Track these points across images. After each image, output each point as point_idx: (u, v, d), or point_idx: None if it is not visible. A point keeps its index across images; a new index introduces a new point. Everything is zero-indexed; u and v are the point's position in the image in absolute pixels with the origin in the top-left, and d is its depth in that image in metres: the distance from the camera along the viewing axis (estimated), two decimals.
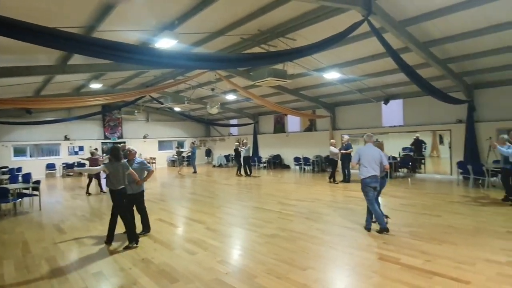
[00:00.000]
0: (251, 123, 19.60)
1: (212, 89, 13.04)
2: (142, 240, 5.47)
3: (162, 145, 21.90)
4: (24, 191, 8.83)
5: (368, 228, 5.56)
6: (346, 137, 11.46)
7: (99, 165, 10.94)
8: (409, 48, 8.26)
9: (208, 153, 23.58)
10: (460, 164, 10.75)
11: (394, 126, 13.45)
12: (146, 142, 20.82)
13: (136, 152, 5.90)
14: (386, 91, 13.02)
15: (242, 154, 14.81)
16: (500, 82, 10.71)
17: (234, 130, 22.19)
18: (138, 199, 5.73)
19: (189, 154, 18.22)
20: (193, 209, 7.92)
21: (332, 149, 11.80)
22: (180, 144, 22.49)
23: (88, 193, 10.62)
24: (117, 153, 5.16)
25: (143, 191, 5.83)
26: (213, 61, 5.39)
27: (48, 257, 4.85)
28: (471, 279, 3.73)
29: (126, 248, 5.07)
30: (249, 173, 14.68)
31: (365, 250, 4.71)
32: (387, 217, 5.66)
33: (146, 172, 5.66)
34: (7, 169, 15.19)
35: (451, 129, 12.07)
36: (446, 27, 7.56)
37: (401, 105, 13.32)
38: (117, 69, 9.33)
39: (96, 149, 16.17)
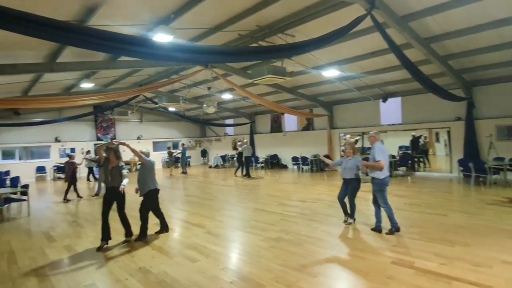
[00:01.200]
0: (248, 123, 19.29)
1: (209, 88, 12.72)
2: (138, 246, 5.14)
3: (157, 146, 21.45)
4: (12, 195, 8.38)
5: (379, 229, 5.31)
6: (347, 136, 11.19)
7: (75, 170, 10.24)
8: (411, 44, 8.08)
9: (204, 153, 23.20)
10: (461, 162, 10.61)
11: (393, 124, 13.28)
12: (140, 143, 20.34)
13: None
14: (385, 89, 12.85)
15: (244, 154, 14.20)
16: (498, 79, 10.60)
17: (230, 130, 21.87)
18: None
19: (178, 155, 17.94)
20: (192, 212, 7.59)
21: None
22: (175, 145, 22.10)
23: (66, 200, 9.95)
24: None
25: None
26: (212, 54, 5.08)
27: (36, 268, 4.48)
28: (492, 283, 3.50)
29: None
30: (247, 174, 14.17)
31: (377, 254, 4.45)
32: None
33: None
34: None
35: (450, 126, 11.94)
36: (447, 23, 7.38)
37: (399, 103, 13.16)
38: (109, 67, 8.95)
39: (88, 151, 15.77)
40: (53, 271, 4.34)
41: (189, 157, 20.41)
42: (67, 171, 10.64)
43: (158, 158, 21.22)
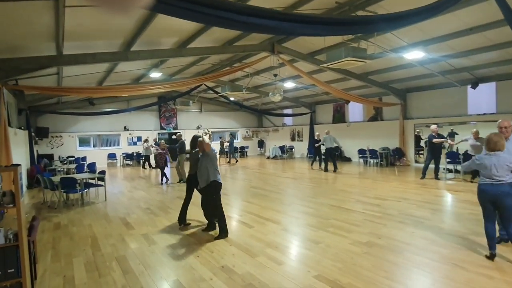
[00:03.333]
0: (307, 113, 18.47)
1: (275, 75, 12.18)
2: (216, 242, 4.85)
3: (215, 135, 21.68)
4: (90, 181, 8.81)
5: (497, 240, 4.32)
6: (434, 126, 9.85)
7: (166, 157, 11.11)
8: None
9: (261, 144, 22.94)
10: None
11: (484, 114, 11.46)
12: (199, 132, 20.71)
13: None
14: (475, 73, 11.10)
15: (326, 145, 12.65)
16: None
17: (288, 120, 21.24)
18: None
19: (227, 144, 18.10)
20: (261, 205, 7.19)
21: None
22: (233, 135, 22.18)
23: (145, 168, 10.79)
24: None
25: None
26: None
27: (118, 257, 4.39)
28: None
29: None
30: (329, 168, 12.78)
31: (507, 273, 3.54)
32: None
33: None
34: (73, 158, 15.98)
35: None
36: None
37: (493, 89, 11.29)
38: (178, 54, 8.86)
39: (147, 139, 16.55)
40: (135, 262, 4.20)
41: (236, 148, 20.48)
42: (160, 159, 11.35)
43: (216, 147, 21.54)
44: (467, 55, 9.48)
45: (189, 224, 5.77)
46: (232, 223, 5.83)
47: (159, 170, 11.80)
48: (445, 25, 7.78)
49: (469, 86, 11.54)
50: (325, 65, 7.85)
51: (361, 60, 7.45)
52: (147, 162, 16.36)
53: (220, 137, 19.89)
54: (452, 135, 12.14)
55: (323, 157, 13.73)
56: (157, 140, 17.46)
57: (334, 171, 12.51)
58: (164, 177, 11.14)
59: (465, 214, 5.86)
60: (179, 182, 10.98)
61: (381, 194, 7.88)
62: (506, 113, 11.02)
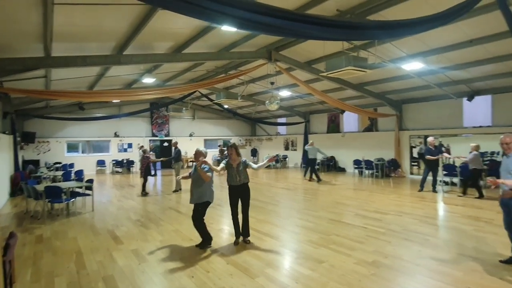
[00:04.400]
0: (302, 122, 18.31)
1: (272, 83, 11.99)
2: (211, 259, 4.51)
3: (208, 143, 21.34)
4: (77, 189, 8.36)
5: None
6: (431, 139, 9.70)
7: (149, 164, 10.41)
8: None
9: (254, 152, 22.65)
10: None
11: (480, 126, 11.45)
12: (192, 140, 20.36)
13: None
14: (472, 86, 11.11)
15: (308, 155, 12.85)
16: None
17: (282, 130, 21.05)
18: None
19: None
20: (258, 218, 6.87)
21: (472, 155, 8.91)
22: (225, 143, 21.91)
23: (145, 193, 10.20)
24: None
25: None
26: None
27: (105, 277, 4.01)
28: None
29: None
30: (311, 177, 12.96)
31: None
32: None
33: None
34: (60, 164, 15.39)
35: None
36: None
37: (489, 101, 11.31)
38: (173, 59, 8.59)
39: (142, 146, 16.09)
40: (123, 282, 3.83)
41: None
42: (142, 166, 10.75)
43: (209, 155, 21.12)
44: (465, 68, 9.46)
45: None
46: (228, 238, 5.51)
47: (151, 178, 11.27)
48: (447, 36, 7.72)
49: (465, 99, 11.55)
50: (325, 73, 7.66)
51: (362, 69, 7.29)
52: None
53: (219, 145, 19.52)
54: (440, 147, 12.00)
55: (316, 167, 13.60)
56: (152, 148, 17.05)
57: (310, 179, 12.78)
58: (143, 188, 10.27)
59: (469, 231, 5.65)
60: (174, 191, 10.55)
61: (381, 208, 7.65)
62: (501, 125, 11.03)
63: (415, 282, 3.70)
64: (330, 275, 3.91)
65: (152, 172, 15.68)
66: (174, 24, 6.98)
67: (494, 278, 3.75)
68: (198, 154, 5.02)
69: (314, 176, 12.89)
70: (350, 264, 4.24)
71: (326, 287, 3.61)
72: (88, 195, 8.23)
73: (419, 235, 5.47)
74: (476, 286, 3.58)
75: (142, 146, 16.23)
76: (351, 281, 3.75)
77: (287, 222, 6.58)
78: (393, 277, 3.84)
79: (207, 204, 5.02)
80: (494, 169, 11.36)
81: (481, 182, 9.20)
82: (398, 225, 6.09)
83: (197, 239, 5.18)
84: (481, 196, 8.68)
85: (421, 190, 9.71)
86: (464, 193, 9.15)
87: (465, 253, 4.62)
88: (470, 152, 8.98)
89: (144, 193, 10.20)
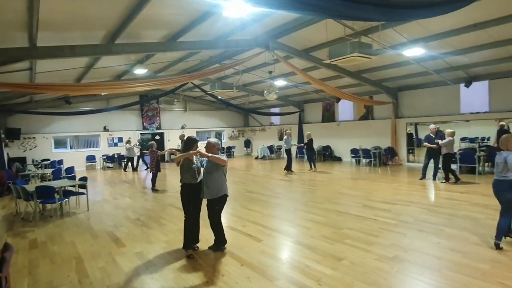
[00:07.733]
0: (296, 112, 18.05)
1: (270, 72, 11.63)
2: (226, 261, 4.25)
3: (200, 135, 20.91)
4: (70, 188, 7.93)
5: None
6: (432, 126, 9.58)
7: (158, 159, 9.89)
8: None
9: (247, 144, 22.35)
10: None
11: (477, 112, 11.43)
12: (184, 132, 19.87)
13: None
14: (470, 72, 11.02)
15: (284, 146, 13.00)
16: None
17: (276, 120, 20.77)
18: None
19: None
20: (263, 213, 6.63)
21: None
22: (219, 134, 21.59)
23: (155, 190, 9.85)
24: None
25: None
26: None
27: (111, 285, 3.71)
28: None
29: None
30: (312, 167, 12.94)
31: None
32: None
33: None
34: (48, 161, 14.78)
35: None
36: None
37: (486, 87, 11.27)
38: (167, 49, 8.14)
39: (129, 140, 15.68)
40: None
41: (223, 148, 20.06)
42: (151, 161, 10.25)
43: (201, 147, 20.72)
44: (465, 53, 9.31)
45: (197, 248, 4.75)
46: (237, 236, 5.25)
47: (143, 173, 10.85)
48: (450, 20, 7.48)
49: (462, 85, 11.48)
50: (328, 61, 7.37)
51: (366, 56, 7.04)
52: (129, 164, 15.42)
53: (208, 138, 19.15)
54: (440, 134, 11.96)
55: (314, 157, 13.46)
56: (140, 141, 16.53)
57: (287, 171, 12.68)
58: (153, 183, 10.02)
59: (482, 220, 5.55)
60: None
61: (386, 198, 7.52)
62: (498, 111, 11.04)
63: (444, 279, 3.53)
64: (353, 273, 3.71)
65: (145, 167, 15.28)
66: (168, 12, 6.54)
67: None
68: (211, 147, 4.49)
69: (311, 167, 12.84)
70: (371, 261, 4.05)
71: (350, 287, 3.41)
72: (83, 193, 7.81)
73: (432, 226, 5.34)
74: (507, 280, 3.43)
75: (128, 140, 15.83)
76: (376, 279, 3.55)
77: (294, 216, 6.37)
78: (419, 274, 3.66)
79: (225, 198, 4.58)
80: (492, 154, 11.43)
81: (453, 166, 9.40)
82: (409, 216, 5.96)
83: (204, 239, 4.90)
84: (457, 180, 8.97)
85: (423, 178, 9.65)
86: (446, 179, 9.14)
87: (484, 243, 4.49)
88: (446, 136, 8.96)
89: (154, 189, 9.87)
